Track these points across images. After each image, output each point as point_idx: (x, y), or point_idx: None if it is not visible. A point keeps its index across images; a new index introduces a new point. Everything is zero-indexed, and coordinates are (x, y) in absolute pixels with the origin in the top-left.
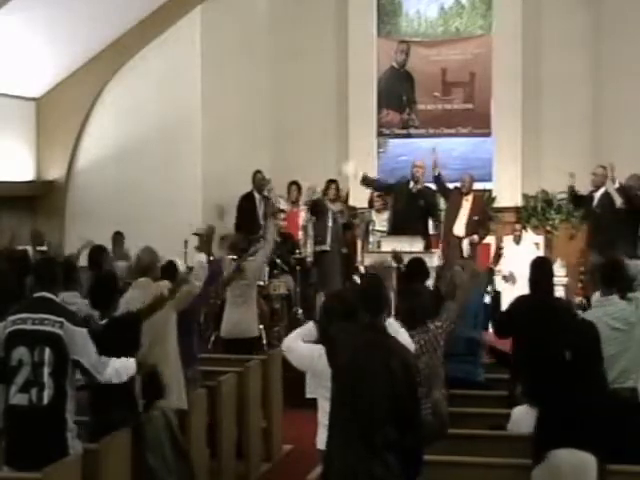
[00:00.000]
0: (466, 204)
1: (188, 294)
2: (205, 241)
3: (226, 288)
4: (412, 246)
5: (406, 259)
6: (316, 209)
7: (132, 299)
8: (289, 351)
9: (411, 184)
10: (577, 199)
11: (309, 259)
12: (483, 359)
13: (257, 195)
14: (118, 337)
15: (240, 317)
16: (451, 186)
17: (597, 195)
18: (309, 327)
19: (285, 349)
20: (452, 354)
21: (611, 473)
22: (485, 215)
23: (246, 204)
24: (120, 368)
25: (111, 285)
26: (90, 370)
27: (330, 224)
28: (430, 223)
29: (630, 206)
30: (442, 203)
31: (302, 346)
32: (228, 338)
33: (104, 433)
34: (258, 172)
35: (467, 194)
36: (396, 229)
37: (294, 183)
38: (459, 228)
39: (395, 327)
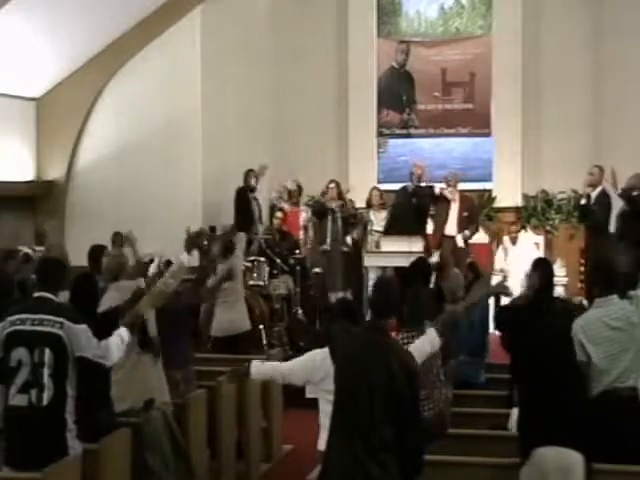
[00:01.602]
0: (454, 204)
1: (161, 292)
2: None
3: (216, 293)
4: (411, 246)
5: (405, 259)
6: (317, 210)
7: (110, 298)
8: (286, 379)
9: (409, 184)
10: (584, 210)
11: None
12: (485, 361)
13: (250, 194)
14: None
15: (234, 315)
16: (437, 189)
17: (593, 195)
18: (256, 364)
19: (281, 380)
20: (455, 357)
21: (597, 472)
22: (474, 211)
23: (242, 202)
24: (119, 342)
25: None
26: (96, 360)
27: (330, 224)
28: (429, 222)
29: (633, 207)
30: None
31: (296, 365)
32: (224, 336)
33: (87, 435)
34: (250, 171)
35: (454, 195)
36: (392, 228)
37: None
38: (451, 228)
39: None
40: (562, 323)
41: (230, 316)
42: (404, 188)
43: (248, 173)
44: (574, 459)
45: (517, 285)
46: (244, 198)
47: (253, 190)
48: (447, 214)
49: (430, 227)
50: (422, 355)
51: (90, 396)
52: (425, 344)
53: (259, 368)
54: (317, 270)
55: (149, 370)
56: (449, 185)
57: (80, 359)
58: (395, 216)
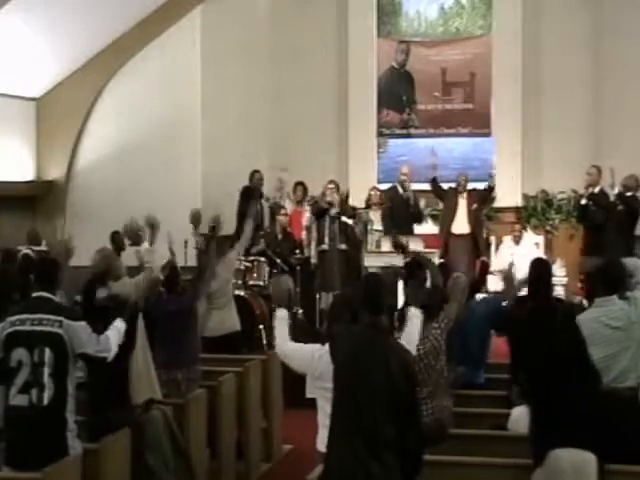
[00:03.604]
0: (462, 202)
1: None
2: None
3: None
4: (411, 246)
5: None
6: (316, 211)
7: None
8: (286, 358)
9: (400, 190)
10: (583, 210)
11: (313, 260)
12: (486, 361)
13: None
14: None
15: (223, 315)
16: (446, 186)
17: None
18: (282, 315)
19: (282, 356)
20: (456, 358)
21: (610, 473)
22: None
23: (244, 203)
24: (116, 334)
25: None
26: (97, 355)
27: (327, 224)
28: (430, 223)
29: (627, 208)
30: (439, 204)
31: (298, 349)
32: (213, 336)
33: (102, 433)
34: (256, 172)
35: (462, 192)
36: (389, 229)
37: (300, 183)
38: (461, 226)
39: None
40: (563, 323)
41: (219, 317)
42: (394, 188)
43: (253, 174)
44: (588, 460)
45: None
46: (241, 202)
47: (262, 195)
48: (454, 213)
49: (431, 227)
50: (414, 334)
51: (101, 396)
52: (412, 322)
53: (280, 322)
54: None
55: (140, 372)
56: (459, 186)
57: (82, 356)
58: (391, 217)
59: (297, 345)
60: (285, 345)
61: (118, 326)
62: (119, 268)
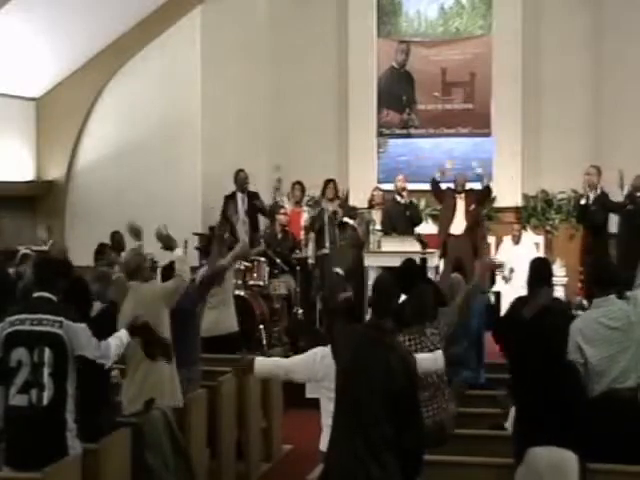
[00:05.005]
0: (460, 202)
1: (177, 289)
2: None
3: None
4: (413, 246)
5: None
6: (314, 222)
7: (129, 309)
8: (288, 375)
9: (397, 197)
10: (583, 210)
11: (310, 261)
12: (484, 361)
13: (240, 194)
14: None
15: (218, 316)
16: (444, 186)
17: (592, 195)
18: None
19: (285, 377)
20: (456, 359)
21: (592, 472)
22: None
23: (229, 204)
24: (118, 344)
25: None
26: (96, 360)
27: (327, 226)
28: (430, 223)
29: (638, 208)
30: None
31: (297, 362)
32: (208, 336)
33: (88, 435)
34: (241, 171)
35: (460, 193)
36: (386, 230)
37: (298, 183)
38: (459, 226)
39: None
40: (558, 323)
41: (214, 316)
42: (393, 199)
43: (238, 173)
44: (568, 458)
45: (519, 284)
46: (226, 204)
47: (243, 189)
48: (453, 213)
49: (431, 226)
50: (421, 369)
51: (92, 397)
52: (429, 361)
53: (262, 364)
54: (338, 270)
55: (164, 375)
56: (457, 186)
57: (80, 358)
58: (390, 218)
59: (293, 359)
60: (281, 366)
61: (121, 336)
62: (148, 269)
